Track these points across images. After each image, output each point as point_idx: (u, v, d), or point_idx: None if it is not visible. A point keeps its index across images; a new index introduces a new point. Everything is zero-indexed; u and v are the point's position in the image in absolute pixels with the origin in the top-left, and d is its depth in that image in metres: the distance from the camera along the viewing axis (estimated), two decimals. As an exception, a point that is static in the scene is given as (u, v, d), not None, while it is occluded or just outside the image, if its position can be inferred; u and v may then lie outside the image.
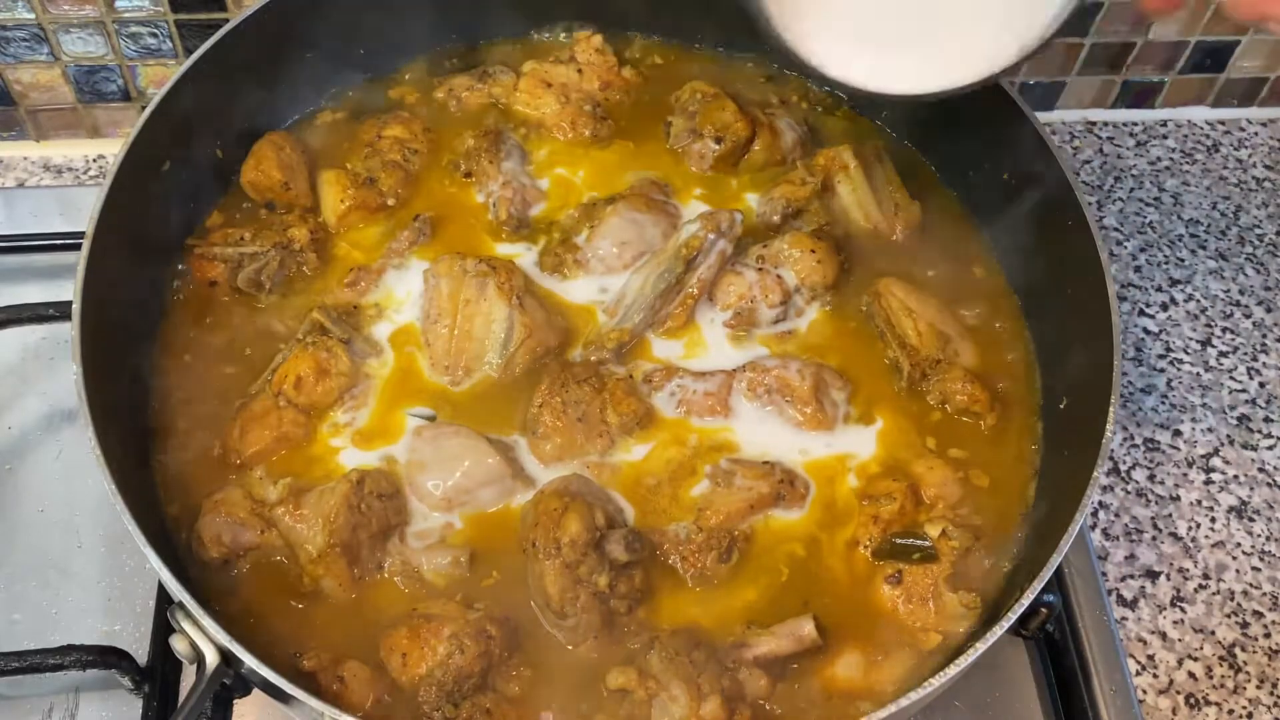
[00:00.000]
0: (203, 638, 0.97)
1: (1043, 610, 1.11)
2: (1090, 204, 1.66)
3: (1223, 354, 1.55)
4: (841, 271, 1.30)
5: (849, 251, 1.32)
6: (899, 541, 1.12)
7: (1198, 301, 1.60)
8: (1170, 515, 1.41)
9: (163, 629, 1.17)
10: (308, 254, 1.27)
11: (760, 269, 1.28)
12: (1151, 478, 1.44)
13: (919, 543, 1.11)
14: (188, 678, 1.17)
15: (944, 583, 1.10)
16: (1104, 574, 1.36)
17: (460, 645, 1.03)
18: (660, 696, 1.02)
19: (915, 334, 1.24)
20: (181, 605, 0.97)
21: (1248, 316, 1.59)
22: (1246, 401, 1.51)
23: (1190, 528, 1.40)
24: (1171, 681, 1.30)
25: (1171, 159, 1.75)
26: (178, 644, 0.98)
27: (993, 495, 1.18)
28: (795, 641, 1.07)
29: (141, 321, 1.22)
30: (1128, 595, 1.35)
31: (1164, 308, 1.59)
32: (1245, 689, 1.30)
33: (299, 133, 1.38)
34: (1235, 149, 1.77)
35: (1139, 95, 1.76)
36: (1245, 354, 1.56)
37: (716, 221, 1.26)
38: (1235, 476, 1.45)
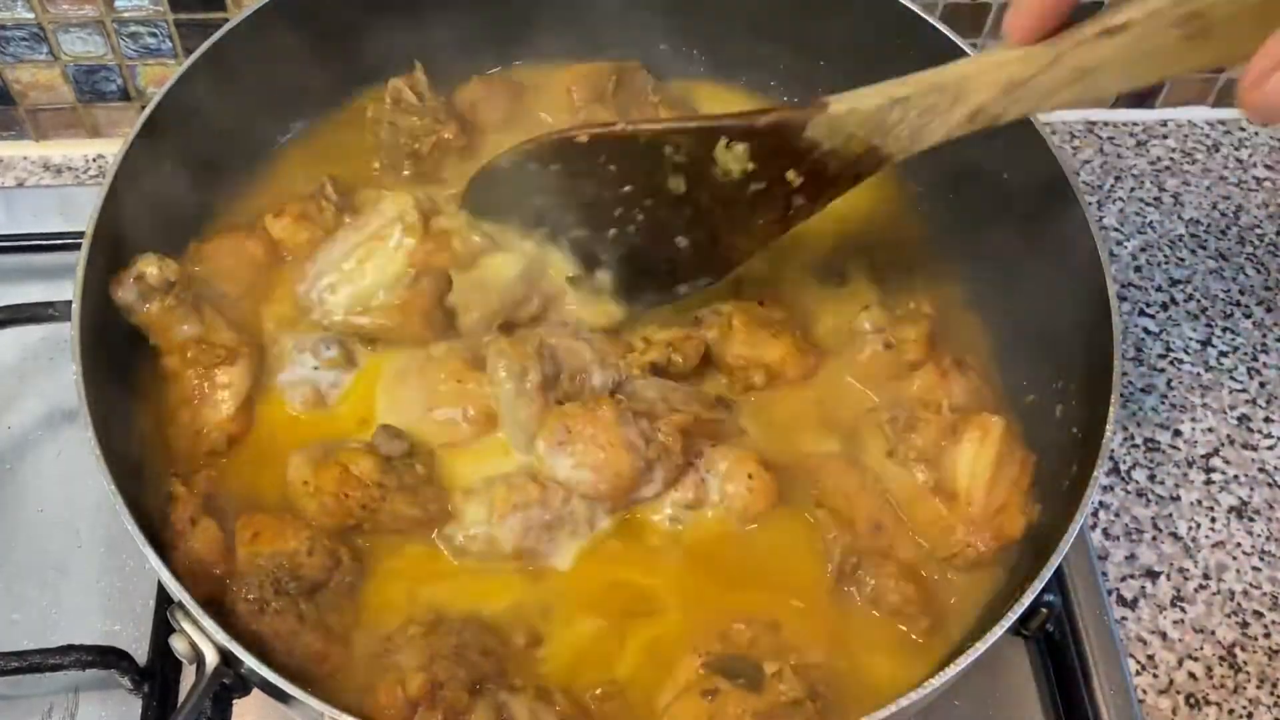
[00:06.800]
0: (203, 638, 0.97)
1: (1043, 610, 1.11)
2: (1090, 204, 1.66)
3: (1223, 354, 1.55)
4: (774, 504, 1.15)
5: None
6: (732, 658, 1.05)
7: (1198, 301, 1.60)
8: (1170, 515, 1.41)
9: (163, 629, 1.17)
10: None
11: (691, 463, 1.15)
12: (1151, 478, 1.44)
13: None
14: (188, 678, 1.17)
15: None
16: (1104, 574, 1.36)
17: (310, 548, 1.05)
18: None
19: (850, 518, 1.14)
20: (181, 605, 0.97)
21: (1248, 316, 1.59)
22: (1246, 401, 1.51)
23: (1190, 528, 1.40)
24: (1171, 681, 1.30)
25: (1171, 159, 1.75)
26: (177, 644, 0.98)
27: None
28: None
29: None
30: (1128, 595, 1.35)
31: (1164, 308, 1.59)
32: (1245, 689, 1.30)
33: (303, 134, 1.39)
34: (1235, 149, 1.77)
35: (1139, 95, 1.76)
36: (1245, 354, 1.56)
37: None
38: (1235, 476, 1.45)
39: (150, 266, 1.15)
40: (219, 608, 1.02)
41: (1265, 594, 1.36)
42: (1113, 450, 1.45)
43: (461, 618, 1.07)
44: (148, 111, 1.19)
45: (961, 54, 1.29)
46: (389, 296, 1.18)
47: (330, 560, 1.06)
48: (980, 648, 0.98)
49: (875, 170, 1.05)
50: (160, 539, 1.04)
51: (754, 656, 1.05)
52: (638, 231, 1.14)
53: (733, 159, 1.06)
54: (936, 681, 0.97)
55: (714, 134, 1.06)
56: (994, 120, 0.99)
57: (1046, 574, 1.00)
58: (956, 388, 1.19)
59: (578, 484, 1.09)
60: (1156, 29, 0.87)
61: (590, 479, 1.08)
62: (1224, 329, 1.58)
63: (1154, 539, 1.39)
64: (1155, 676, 1.30)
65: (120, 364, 1.15)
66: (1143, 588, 1.36)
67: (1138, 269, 1.63)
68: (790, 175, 1.06)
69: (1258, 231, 1.68)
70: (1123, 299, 1.59)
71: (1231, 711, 1.28)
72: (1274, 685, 1.30)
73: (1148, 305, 1.59)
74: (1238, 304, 1.60)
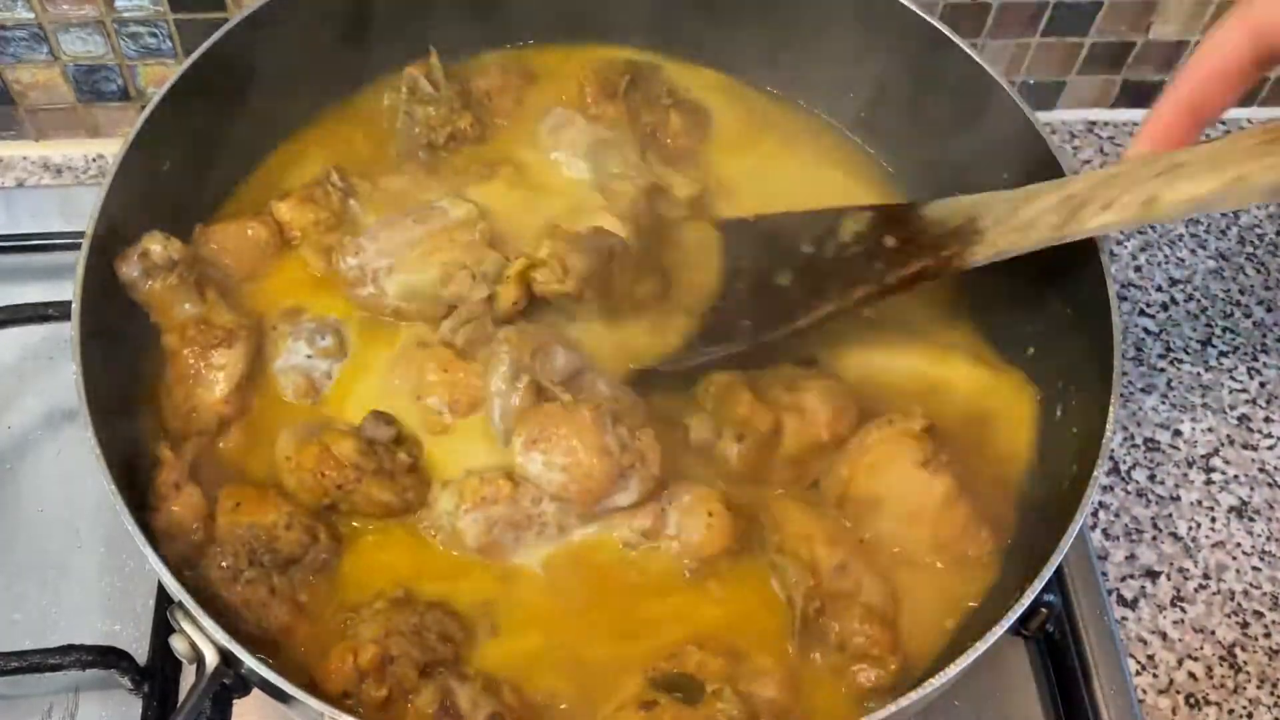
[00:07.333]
0: (202, 638, 0.97)
1: (1043, 610, 1.11)
2: (1090, 204, 1.66)
3: (1223, 354, 1.55)
4: (732, 549, 1.12)
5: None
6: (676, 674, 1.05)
7: (1198, 301, 1.60)
8: (1170, 515, 1.41)
9: (163, 629, 1.17)
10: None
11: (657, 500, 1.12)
12: (1151, 478, 1.44)
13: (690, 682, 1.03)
14: (188, 678, 1.17)
15: None
16: (1104, 574, 1.36)
17: (289, 523, 1.06)
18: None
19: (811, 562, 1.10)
20: (181, 605, 0.97)
21: (1248, 316, 1.59)
22: (1246, 401, 1.51)
23: (1190, 528, 1.40)
24: (1171, 681, 1.30)
25: (1171, 159, 1.75)
26: (177, 644, 0.98)
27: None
28: None
29: (142, 320, 1.21)
30: (1128, 595, 1.35)
31: (1164, 308, 1.59)
32: (1245, 689, 1.30)
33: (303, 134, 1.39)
34: (1235, 149, 1.77)
35: (1139, 95, 1.76)
36: (1245, 354, 1.56)
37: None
38: (1235, 476, 1.45)
39: (155, 244, 1.16)
40: (192, 571, 1.04)
41: (1265, 594, 1.36)
42: (1113, 450, 1.45)
43: (428, 600, 1.07)
44: (148, 111, 1.19)
45: (963, 55, 1.29)
46: (439, 291, 1.20)
47: (307, 536, 1.07)
48: (980, 647, 0.98)
49: (959, 258, 1.11)
50: (143, 501, 1.05)
51: (700, 677, 1.04)
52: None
53: (853, 222, 1.22)
54: (937, 681, 0.97)
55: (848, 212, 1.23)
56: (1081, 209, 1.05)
57: (1046, 574, 1.00)
58: (822, 409, 1.15)
59: (548, 484, 1.08)
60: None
61: (561, 479, 1.08)
62: (1224, 329, 1.58)
63: (1154, 539, 1.39)
64: (1155, 676, 1.30)
65: (120, 363, 1.15)
66: (1143, 588, 1.36)
67: (1138, 269, 1.63)
68: (888, 239, 1.18)
69: (1258, 231, 1.68)
70: (1123, 299, 1.59)
71: (1231, 711, 1.28)
72: (1274, 685, 1.30)
73: (1148, 305, 1.59)
74: (1238, 304, 1.60)
